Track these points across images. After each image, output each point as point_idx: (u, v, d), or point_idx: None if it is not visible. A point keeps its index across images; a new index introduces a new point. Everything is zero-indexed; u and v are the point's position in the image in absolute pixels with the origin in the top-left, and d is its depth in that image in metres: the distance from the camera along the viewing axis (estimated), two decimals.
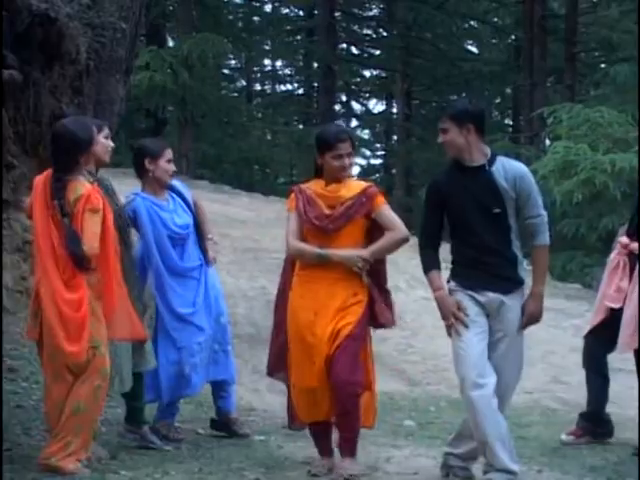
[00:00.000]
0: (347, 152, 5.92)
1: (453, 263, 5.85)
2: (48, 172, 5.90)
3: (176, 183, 7.05)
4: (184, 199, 6.97)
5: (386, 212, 5.97)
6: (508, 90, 29.88)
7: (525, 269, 5.80)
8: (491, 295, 5.68)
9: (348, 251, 5.88)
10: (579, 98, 20.18)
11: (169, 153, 6.90)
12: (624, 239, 6.98)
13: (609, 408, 7.22)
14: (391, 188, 28.58)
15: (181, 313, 6.76)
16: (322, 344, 5.80)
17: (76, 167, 5.82)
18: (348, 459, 5.88)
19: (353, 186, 5.98)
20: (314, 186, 6.00)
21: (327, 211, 5.90)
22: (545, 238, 5.77)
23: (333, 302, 5.85)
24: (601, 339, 7.02)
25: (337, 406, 5.83)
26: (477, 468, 5.85)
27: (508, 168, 5.71)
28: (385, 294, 6.05)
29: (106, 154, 6.32)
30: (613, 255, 7.06)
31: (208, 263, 6.96)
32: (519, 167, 5.79)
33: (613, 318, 6.88)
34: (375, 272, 5.98)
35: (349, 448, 5.89)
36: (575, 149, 16.14)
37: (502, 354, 5.66)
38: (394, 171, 30.40)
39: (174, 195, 6.94)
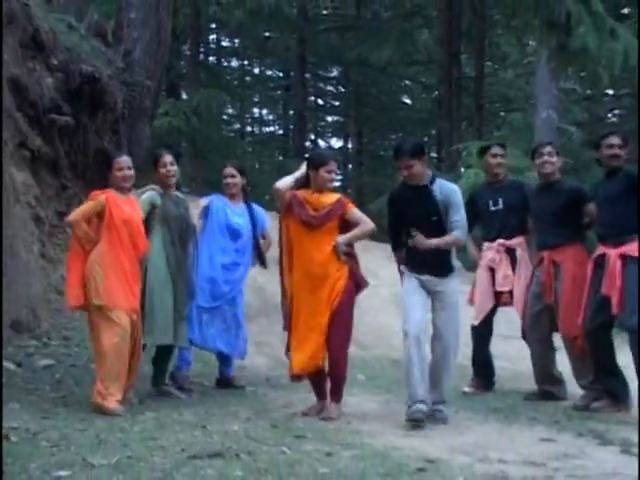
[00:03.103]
0: (334, 169, 6.05)
1: (407, 254, 5.92)
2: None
3: (259, 210, 7.12)
4: (255, 220, 7.01)
5: (356, 212, 6.07)
6: (433, 131, 29.97)
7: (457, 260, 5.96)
8: (430, 278, 5.80)
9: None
10: (485, 137, 20.21)
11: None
12: (501, 241, 7.04)
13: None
14: None
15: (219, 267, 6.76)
16: (321, 314, 5.83)
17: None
18: (334, 404, 5.92)
19: (330, 195, 6.04)
20: (304, 194, 6.02)
21: (312, 212, 5.96)
22: (460, 234, 5.79)
23: (327, 281, 5.87)
24: (488, 322, 7.07)
25: (330, 360, 5.87)
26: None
27: (443, 187, 5.83)
28: (357, 265, 6.07)
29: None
30: (491, 255, 7.05)
31: (263, 264, 7.04)
32: (451, 186, 5.92)
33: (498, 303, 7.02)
34: (349, 253, 6.02)
35: (336, 395, 5.95)
36: (482, 175, 16.17)
37: (442, 322, 5.76)
38: (349, 191, 30.42)
39: (250, 212, 7.00)
